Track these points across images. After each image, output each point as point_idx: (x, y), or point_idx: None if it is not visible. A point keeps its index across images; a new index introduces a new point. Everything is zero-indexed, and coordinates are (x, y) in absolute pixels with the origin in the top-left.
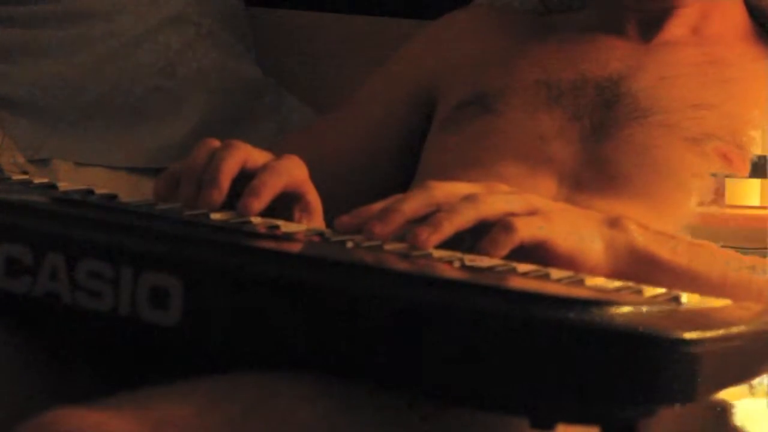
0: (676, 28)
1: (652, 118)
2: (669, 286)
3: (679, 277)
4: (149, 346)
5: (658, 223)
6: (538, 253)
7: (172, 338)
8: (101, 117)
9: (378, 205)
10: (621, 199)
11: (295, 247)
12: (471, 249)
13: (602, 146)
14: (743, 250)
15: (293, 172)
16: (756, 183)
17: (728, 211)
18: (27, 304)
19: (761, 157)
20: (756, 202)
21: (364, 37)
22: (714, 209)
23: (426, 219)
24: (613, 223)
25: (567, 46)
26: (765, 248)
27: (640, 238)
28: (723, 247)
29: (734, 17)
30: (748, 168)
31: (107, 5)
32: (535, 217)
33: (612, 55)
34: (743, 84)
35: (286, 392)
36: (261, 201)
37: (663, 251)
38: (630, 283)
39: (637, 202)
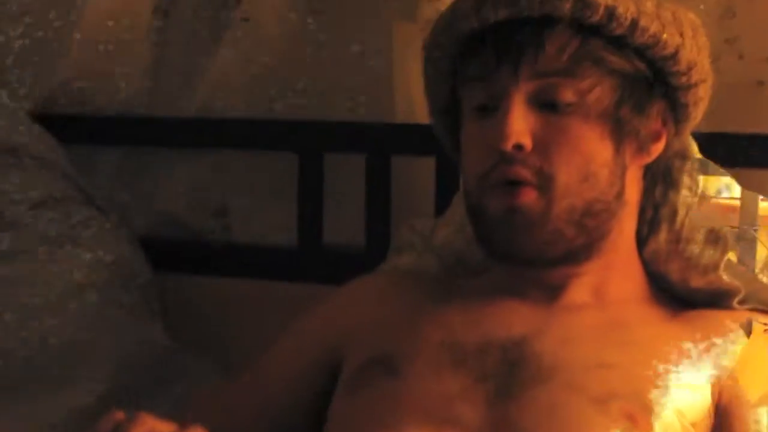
0: (578, 293)
1: (557, 378)
2: None
3: None
4: None
5: None
6: None
7: None
8: (2, 389)
9: None
10: None
11: None
12: None
13: (508, 408)
14: None
15: None
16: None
17: None
18: None
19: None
20: None
21: (270, 301)
22: None
23: None
24: None
25: (471, 308)
26: None
27: None
28: None
29: (634, 282)
30: (653, 428)
31: (10, 275)
32: None
33: (515, 318)
34: (643, 345)
35: None
36: None
37: None
38: None
39: None
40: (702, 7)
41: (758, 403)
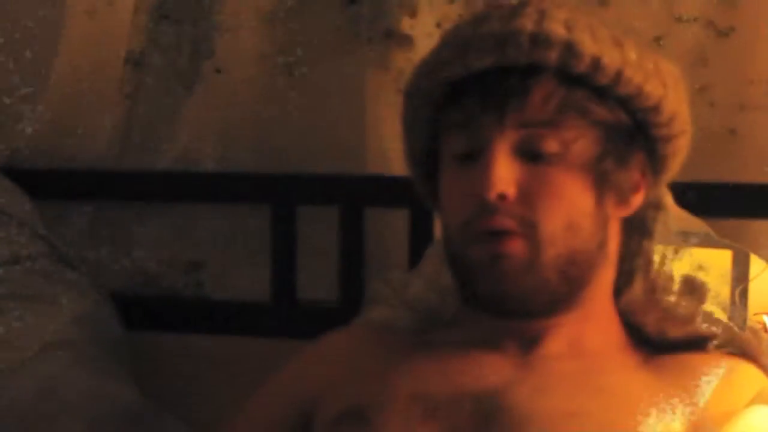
0: (554, 343)
1: (530, 428)
2: None
3: None
4: None
5: None
6: None
7: None
8: None
9: None
10: None
11: None
12: None
13: None
14: None
15: None
16: None
17: None
18: None
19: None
20: None
21: (244, 357)
22: None
23: None
24: None
25: (444, 360)
26: None
27: None
28: None
29: (609, 332)
30: None
31: None
32: None
33: (489, 369)
34: (616, 393)
35: None
36: None
37: None
38: None
39: None
40: (674, 55)
41: None
